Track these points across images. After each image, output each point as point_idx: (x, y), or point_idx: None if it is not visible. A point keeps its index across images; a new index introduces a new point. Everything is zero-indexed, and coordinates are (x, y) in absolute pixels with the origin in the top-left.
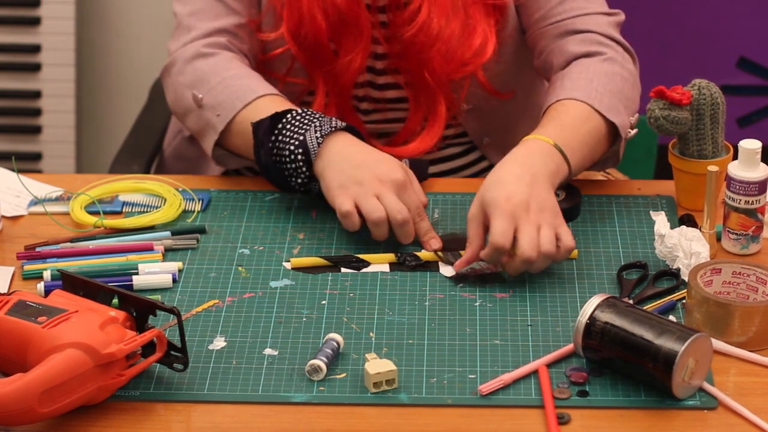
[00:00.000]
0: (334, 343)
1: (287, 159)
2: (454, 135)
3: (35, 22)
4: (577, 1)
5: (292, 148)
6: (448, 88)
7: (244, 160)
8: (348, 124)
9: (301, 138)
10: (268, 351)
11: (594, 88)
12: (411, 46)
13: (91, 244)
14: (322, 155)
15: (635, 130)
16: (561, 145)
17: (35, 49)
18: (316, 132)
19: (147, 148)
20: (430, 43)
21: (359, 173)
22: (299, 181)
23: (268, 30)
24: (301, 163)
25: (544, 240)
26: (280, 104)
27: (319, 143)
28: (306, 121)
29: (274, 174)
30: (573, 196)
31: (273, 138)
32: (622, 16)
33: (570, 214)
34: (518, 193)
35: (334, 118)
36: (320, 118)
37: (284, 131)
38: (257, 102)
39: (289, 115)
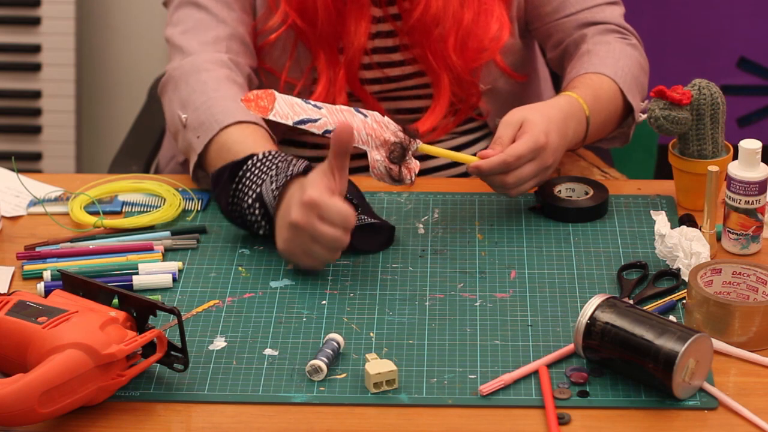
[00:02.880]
0: (335, 344)
1: (247, 212)
2: (467, 120)
3: (35, 22)
4: None
5: (250, 201)
6: (467, 74)
7: None
8: (308, 163)
9: (258, 191)
10: (268, 351)
11: (620, 67)
12: (419, 26)
13: (91, 244)
14: (279, 207)
15: (645, 115)
16: (590, 122)
17: (35, 49)
18: (272, 183)
19: (146, 149)
20: (438, 23)
21: (283, 221)
22: (261, 232)
23: (267, 21)
24: (259, 217)
25: (525, 187)
26: (252, 135)
27: (275, 197)
28: (265, 169)
29: (237, 221)
30: (600, 194)
31: (232, 188)
32: (623, 7)
33: (597, 211)
34: (553, 142)
35: (294, 161)
36: (279, 164)
37: (244, 180)
38: (234, 127)
39: (247, 164)
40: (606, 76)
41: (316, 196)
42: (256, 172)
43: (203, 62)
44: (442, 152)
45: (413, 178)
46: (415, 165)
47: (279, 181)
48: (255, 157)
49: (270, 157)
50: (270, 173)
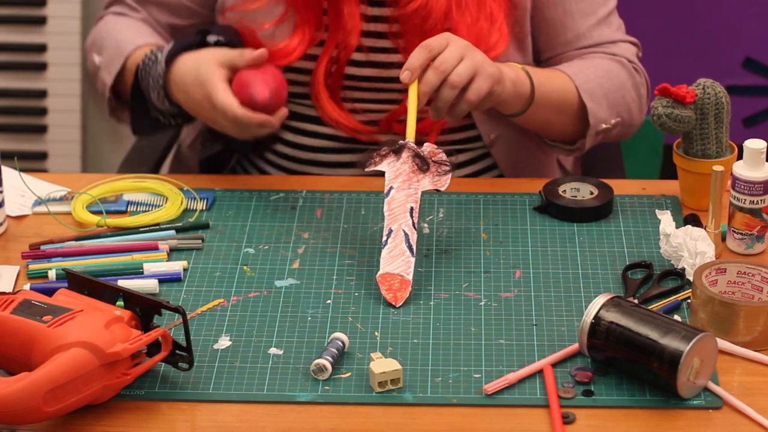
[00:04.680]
0: (339, 343)
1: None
2: (466, 139)
3: (41, 21)
4: (607, 29)
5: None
6: None
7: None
8: (169, 50)
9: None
10: (273, 350)
11: (585, 73)
12: (411, 14)
13: (96, 243)
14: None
15: (612, 129)
16: (533, 80)
17: (41, 48)
18: (154, 92)
19: (155, 151)
20: (429, 14)
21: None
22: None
23: None
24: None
25: (460, 68)
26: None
27: (163, 101)
28: (147, 81)
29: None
30: (605, 194)
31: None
32: (639, 47)
33: (602, 211)
34: (462, 40)
35: (158, 60)
36: (149, 71)
37: (150, 93)
38: (136, 53)
39: (139, 77)
40: (563, 72)
41: (211, 115)
42: (146, 81)
43: (113, 16)
44: (411, 119)
45: (443, 158)
46: (430, 150)
47: (157, 88)
48: (138, 69)
49: (145, 63)
50: (150, 82)
